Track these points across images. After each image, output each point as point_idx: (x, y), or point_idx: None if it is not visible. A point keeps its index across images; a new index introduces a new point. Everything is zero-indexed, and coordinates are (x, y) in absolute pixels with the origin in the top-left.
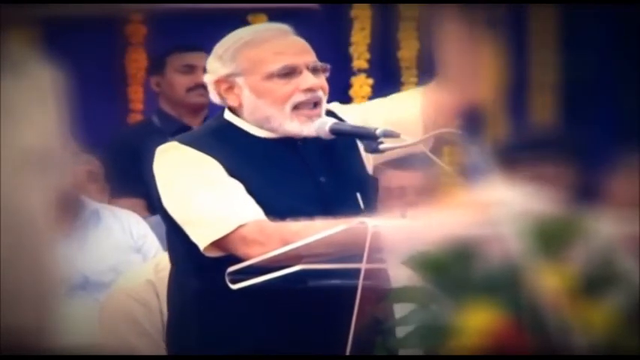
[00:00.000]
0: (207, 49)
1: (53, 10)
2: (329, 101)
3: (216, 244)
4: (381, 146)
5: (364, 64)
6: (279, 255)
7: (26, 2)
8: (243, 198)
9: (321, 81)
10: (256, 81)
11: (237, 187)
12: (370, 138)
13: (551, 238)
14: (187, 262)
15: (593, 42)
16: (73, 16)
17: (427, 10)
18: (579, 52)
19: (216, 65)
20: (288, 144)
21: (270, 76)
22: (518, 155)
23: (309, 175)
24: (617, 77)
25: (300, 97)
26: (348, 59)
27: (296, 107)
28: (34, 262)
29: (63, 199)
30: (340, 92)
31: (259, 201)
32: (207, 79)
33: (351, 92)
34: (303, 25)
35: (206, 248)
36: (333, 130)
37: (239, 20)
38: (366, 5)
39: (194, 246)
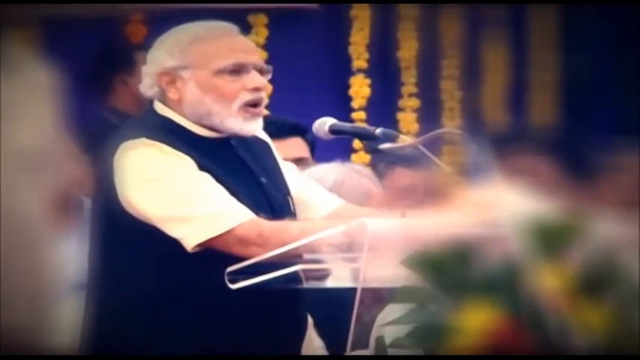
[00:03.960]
0: None
1: (53, 10)
2: (328, 102)
3: (207, 242)
4: (381, 146)
5: (363, 65)
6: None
7: (26, 2)
8: (227, 195)
9: (266, 83)
10: (204, 76)
11: (214, 184)
12: (370, 138)
13: (550, 238)
14: (151, 260)
15: (593, 42)
16: (73, 16)
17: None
18: (579, 52)
19: (161, 57)
20: (224, 144)
21: (220, 72)
22: (513, 147)
23: (250, 175)
24: (617, 77)
25: (247, 96)
26: (347, 59)
27: (242, 106)
28: (32, 262)
29: (61, 199)
30: (339, 92)
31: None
32: (148, 70)
33: (351, 92)
34: (303, 25)
35: (194, 246)
36: (333, 130)
37: (239, 20)
38: (365, 5)
39: (165, 244)
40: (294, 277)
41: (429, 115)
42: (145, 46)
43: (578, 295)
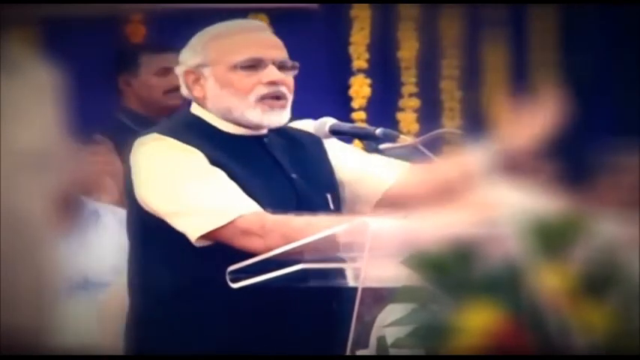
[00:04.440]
0: None
1: (53, 10)
2: (328, 102)
3: (211, 234)
4: (381, 146)
5: (364, 65)
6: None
7: (26, 2)
8: (234, 188)
9: (286, 77)
10: (221, 71)
11: (223, 177)
12: (370, 138)
13: (551, 237)
14: (168, 256)
15: (593, 42)
16: (73, 16)
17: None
18: (579, 52)
19: (186, 56)
20: (255, 140)
21: (235, 67)
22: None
23: (280, 171)
24: (617, 77)
25: (262, 90)
26: (347, 59)
27: (259, 99)
28: (33, 262)
29: (62, 199)
30: (339, 92)
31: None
32: (178, 70)
33: (351, 92)
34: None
35: (198, 239)
36: (333, 130)
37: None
38: (365, 5)
39: (177, 240)
40: (298, 276)
41: (429, 115)
42: (147, 46)
43: (578, 295)
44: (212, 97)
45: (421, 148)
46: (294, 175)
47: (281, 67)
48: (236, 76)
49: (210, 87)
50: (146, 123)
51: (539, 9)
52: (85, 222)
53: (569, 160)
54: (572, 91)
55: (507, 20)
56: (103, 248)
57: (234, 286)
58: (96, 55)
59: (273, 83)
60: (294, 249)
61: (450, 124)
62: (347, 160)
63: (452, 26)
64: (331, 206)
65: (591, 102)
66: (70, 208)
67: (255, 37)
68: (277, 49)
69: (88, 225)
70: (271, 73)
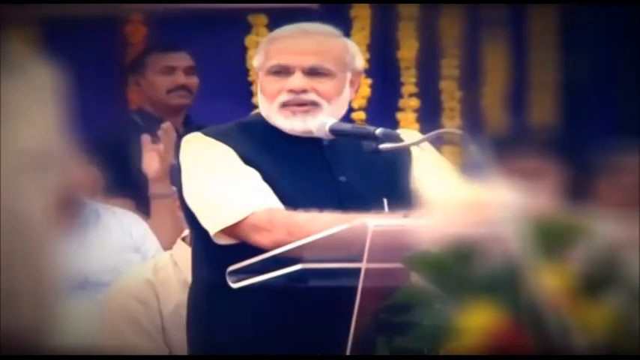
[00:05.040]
0: (207, 49)
1: (53, 10)
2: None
3: (228, 231)
4: (381, 146)
5: (364, 64)
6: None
7: (26, 2)
8: (257, 185)
9: (316, 83)
10: (261, 76)
11: (251, 175)
12: (370, 138)
13: (551, 238)
14: (201, 254)
15: (593, 42)
16: (73, 16)
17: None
18: (579, 52)
19: (254, 58)
20: (312, 142)
21: (268, 73)
22: (514, 149)
23: (328, 172)
24: (617, 77)
25: (284, 97)
26: None
27: (281, 106)
28: (33, 262)
29: (62, 199)
30: None
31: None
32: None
33: None
34: None
35: (217, 235)
36: (333, 130)
37: (239, 20)
38: (365, 5)
39: (206, 237)
40: (298, 276)
41: (429, 115)
42: (152, 46)
43: (578, 295)
44: (259, 99)
45: (420, 148)
46: (342, 178)
47: (311, 73)
48: (267, 82)
49: (258, 89)
50: (156, 122)
51: (539, 9)
52: (84, 222)
53: (569, 160)
54: (572, 90)
55: (507, 20)
56: (103, 248)
57: (235, 286)
58: (96, 55)
59: (293, 91)
60: (293, 249)
61: (450, 124)
62: (428, 177)
63: (452, 26)
64: (386, 210)
65: (591, 102)
66: (70, 208)
67: (291, 43)
68: (308, 56)
69: (88, 225)
70: (294, 80)
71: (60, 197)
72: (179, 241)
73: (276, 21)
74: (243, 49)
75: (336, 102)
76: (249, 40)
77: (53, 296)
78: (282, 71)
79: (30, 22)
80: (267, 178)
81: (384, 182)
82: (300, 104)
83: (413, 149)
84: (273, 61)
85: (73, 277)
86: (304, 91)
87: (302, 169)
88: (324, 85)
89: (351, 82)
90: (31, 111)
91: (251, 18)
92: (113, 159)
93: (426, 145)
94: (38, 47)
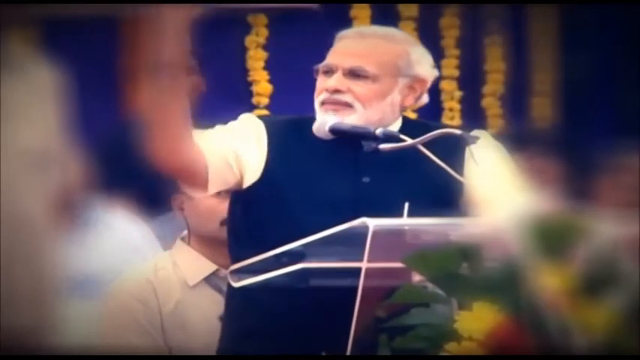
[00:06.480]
0: (207, 49)
1: (53, 10)
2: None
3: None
4: (381, 146)
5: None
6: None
7: (26, 2)
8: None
9: (353, 85)
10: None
11: (247, 139)
12: (370, 138)
13: (551, 238)
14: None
15: (593, 42)
16: (73, 16)
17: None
18: (579, 52)
19: None
20: (352, 142)
21: (320, 71)
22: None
23: (352, 173)
24: (617, 77)
25: (323, 96)
26: None
27: (321, 104)
28: (33, 262)
29: (62, 198)
30: None
31: (287, 187)
32: None
33: None
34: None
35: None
36: (333, 130)
37: (239, 20)
38: (365, 5)
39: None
40: (298, 276)
41: (429, 115)
42: None
43: (578, 295)
44: None
45: (421, 148)
46: (365, 179)
47: (351, 74)
48: (318, 80)
49: None
50: None
51: (539, 9)
52: (85, 222)
53: (569, 160)
54: (572, 90)
55: (507, 20)
56: (103, 248)
57: (235, 285)
58: (96, 55)
59: (328, 90)
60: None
61: (450, 124)
62: (483, 178)
63: (452, 26)
64: (405, 215)
65: (591, 102)
66: (70, 208)
67: (342, 44)
68: (350, 57)
69: (88, 225)
70: (333, 80)
71: (60, 197)
72: (179, 241)
73: (276, 21)
74: (243, 49)
75: (374, 106)
76: (249, 40)
77: (53, 296)
78: (328, 71)
79: (30, 22)
80: (284, 168)
81: (412, 187)
82: (334, 103)
83: (474, 146)
84: (325, 61)
85: (73, 277)
86: (339, 91)
87: (327, 167)
88: (361, 87)
89: (411, 88)
90: (31, 111)
91: (251, 18)
92: (113, 159)
93: (490, 141)
94: (38, 47)
